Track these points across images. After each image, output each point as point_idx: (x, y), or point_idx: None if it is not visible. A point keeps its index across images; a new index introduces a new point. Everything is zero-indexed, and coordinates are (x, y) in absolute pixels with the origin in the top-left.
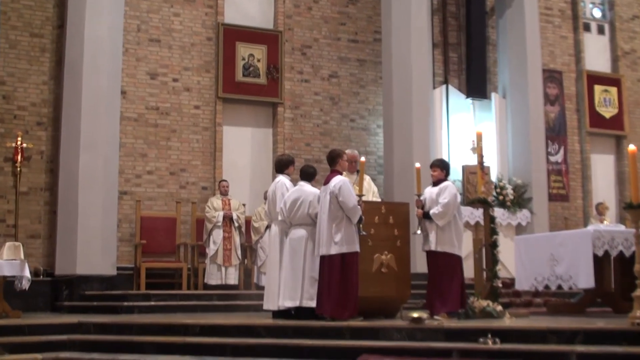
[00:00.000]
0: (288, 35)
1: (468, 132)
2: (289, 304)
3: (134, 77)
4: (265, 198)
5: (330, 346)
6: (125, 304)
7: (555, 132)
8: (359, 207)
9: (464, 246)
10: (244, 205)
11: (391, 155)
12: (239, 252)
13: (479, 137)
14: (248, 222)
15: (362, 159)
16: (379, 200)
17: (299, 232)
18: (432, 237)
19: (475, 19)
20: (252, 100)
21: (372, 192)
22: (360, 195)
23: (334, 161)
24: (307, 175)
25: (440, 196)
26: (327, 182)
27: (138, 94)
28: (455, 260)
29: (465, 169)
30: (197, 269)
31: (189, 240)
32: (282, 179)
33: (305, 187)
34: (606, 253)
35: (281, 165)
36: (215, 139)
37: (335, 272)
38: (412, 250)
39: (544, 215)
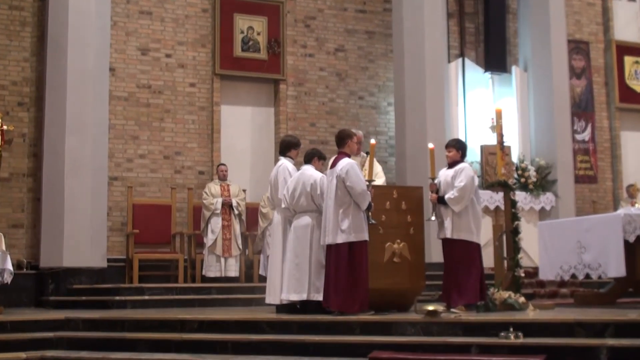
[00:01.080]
0: (290, 5)
1: (486, 109)
2: (294, 297)
3: (123, 53)
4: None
5: (338, 342)
6: (117, 298)
7: (582, 108)
8: (368, 192)
9: (483, 233)
10: (244, 191)
11: (403, 135)
12: (240, 241)
13: (499, 114)
14: (249, 209)
15: (373, 140)
16: (382, 181)
17: (304, 220)
18: (448, 223)
19: None
20: (252, 77)
21: (375, 174)
22: (370, 181)
23: (343, 142)
24: (307, 157)
25: (456, 179)
26: (333, 165)
27: (128, 71)
28: (473, 249)
29: (483, 149)
30: (195, 260)
31: (185, 229)
32: (285, 162)
33: (307, 170)
34: (638, 239)
35: (284, 148)
36: (213, 120)
37: (343, 262)
38: (427, 238)
39: (569, 198)
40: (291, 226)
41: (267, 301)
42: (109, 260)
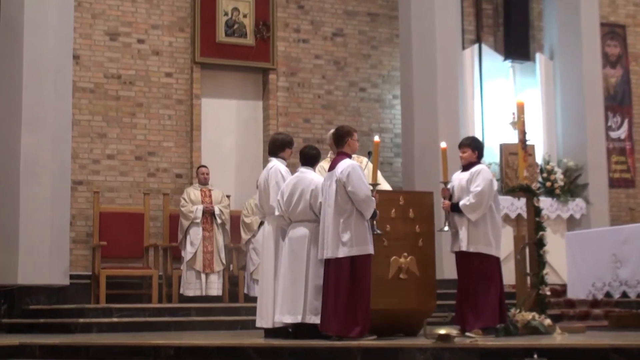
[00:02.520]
0: None
1: (507, 102)
2: (288, 319)
3: (89, 38)
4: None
5: None
6: (81, 320)
7: (617, 102)
8: (373, 198)
9: (503, 245)
10: (228, 197)
11: (411, 132)
12: (223, 255)
13: (521, 108)
14: (233, 217)
15: (376, 138)
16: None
17: (300, 231)
18: (463, 234)
19: None
20: (238, 66)
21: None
22: (374, 185)
23: (342, 141)
24: (308, 158)
25: (472, 183)
26: (332, 167)
27: (95, 59)
28: (491, 263)
29: (503, 148)
30: (171, 277)
31: (160, 241)
32: (277, 163)
33: (306, 173)
34: None
35: (276, 147)
36: (192, 115)
37: (343, 279)
38: (438, 252)
39: (603, 205)
40: (286, 237)
41: (258, 324)
42: (71, 276)
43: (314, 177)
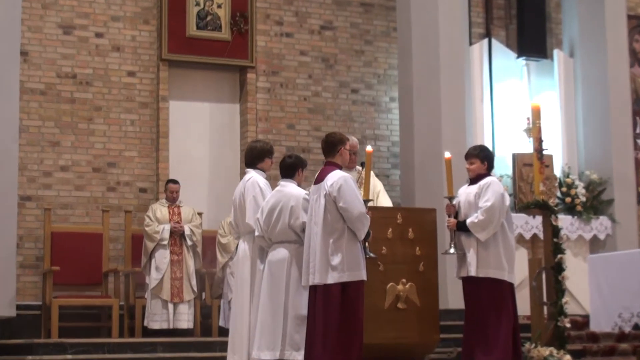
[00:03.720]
0: None
1: (520, 106)
2: (267, 356)
3: (39, 32)
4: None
5: None
6: (30, 358)
7: None
8: (367, 216)
9: (517, 270)
10: (200, 214)
11: (410, 140)
12: (194, 282)
13: (536, 112)
14: (206, 238)
15: (369, 147)
16: (384, 202)
17: (279, 253)
18: (471, 257)
19: None
20: (211, 64)
21: (376, 194)
22: (367, 200)
23: (333, 150)
24: (286, 169)
25: (481, 198)
26: (320, 179)
27: (46, 56)
28: (504, 290)
29: (516, 159)
30: (134, 307)
31: (121, 265)
32: (254, 175)
33: (285, 187)
34: None
35: (253, 156)
36: (159, 120)
37: (333, 309)
38: (442, 277)
39: (631, 224)
40: (265, 260)
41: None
42: (18, 307)
43: (293, 191)
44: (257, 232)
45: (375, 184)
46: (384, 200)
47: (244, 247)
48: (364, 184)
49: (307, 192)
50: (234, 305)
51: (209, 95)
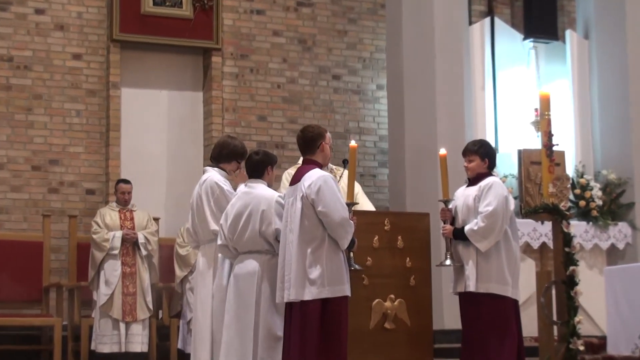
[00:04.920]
0: None
1: (527, 95)
2: None
3: None
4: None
5: None
6: None
7: None
8: (351, 222)
9: (522, 284)
10: (156, 220)
11: (400, 135)
12: (149, 298)
13: (546, 102)
14: (164, 248)
15: (353, 142)
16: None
17: (248, 265)
18: (470, 270)
19: None
20: (170, 45)
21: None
22: (350, 204)
23: (312, 145)
24: (253, 167)
25: (482, 202)
26: (296, 179)
27: None
28: (507, 308)
29: (522, 155)
30: (79, 327)
31: (64, 279)
32: (213, 174)
33: (254, 189)
34: None
35: (222, 154)
36: (109, 111)
37: (312, 330)
38: (436, 293)
39: None
40: (231, 274)
41: None
42: None
43: (264, 193)
44: (220, 241)
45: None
46: (364, 203)
47: (203, 257)
48: (348, 185)
49: (281, 193)
50: (194, 325)
51: (167, 81)
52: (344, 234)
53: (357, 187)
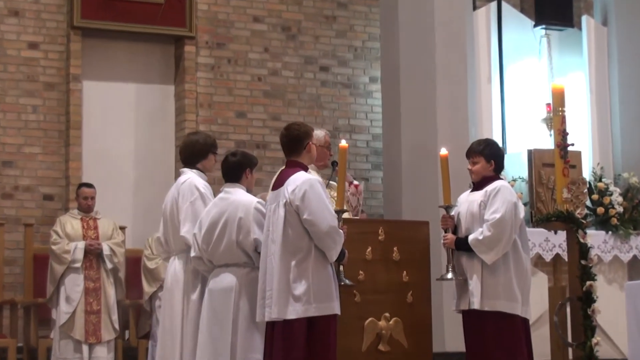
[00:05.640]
0: None
1: (538, 88)
2: None
3: None
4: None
5: None
6: None
7: None
8: (340, 230)
9: (533, 301)
10: (123, 229)
11: (396, 133)
12: (116, 317)
13: (559, 97)
14: (131, 260)
15: (343, 142)
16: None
17: (224, 280)
18: (475, 285)
19: None
20: (138, 33)
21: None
22: (340, 211)
23: (297, 145)
24: (230, 170)
25: (488, 208)
26: (279, 184)
27: None
28: (516, 328)
29: (533, 156)
30: (36, 349)
31: (19, 295)
32: (192, 177)
33: (231, 194)
34: None
35: (191, 153)
36: (69, 106)
37: (296, 352)
38: (437, 311)
39: None
40: (206, 289)
41: None
42: None
43: (242, 198)
44: (194, 252)
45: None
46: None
47: (175, 269)
48: (338, 189)
49: (261, 199)
50: (159, 347)
51: (134, 74)
52: (333, 245)
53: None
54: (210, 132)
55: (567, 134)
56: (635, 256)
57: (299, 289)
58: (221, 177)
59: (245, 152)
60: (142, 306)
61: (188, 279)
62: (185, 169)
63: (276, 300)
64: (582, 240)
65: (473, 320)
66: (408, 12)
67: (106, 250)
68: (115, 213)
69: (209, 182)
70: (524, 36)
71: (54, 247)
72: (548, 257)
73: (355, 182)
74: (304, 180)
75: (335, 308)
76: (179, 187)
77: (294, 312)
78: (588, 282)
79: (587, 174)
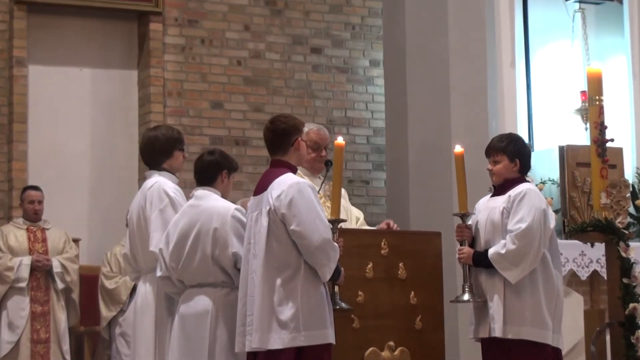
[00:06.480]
0: None
1: (571, 73)
2: None
3: None
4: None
5: None
6: None
7: None
8: (335, 244)
9: (567, 328)
10: (76, 242)
11: (402, 127)
12: (67, 347)
13: (596, 83)
14: (86, 279)
15: (340, 139)
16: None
17: (198, 303)
18: (496, 308)
19: None
20: (94, 9)
21: (351, 213)
22: (335, 221)
23: (284, 141)
24: (204, 171)
25: (512, 217)
26: (262, 187)
27: None
28: (545, 359)
29: (566, 154)
30: None
31: None
32: (160, 180)
33: (204, 199)
34: None
35: (155, 151)
36: (12, 96)
37: None
38: (451, 339)
39: None
40: (176, 314)
41: None
42: None
43: (216, 205)
44: (160, 271)
45: (349, 205)
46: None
47: (145, 292)
48: (332, 194)
49: (240, 206)
50: None
51: (90, 57)
52: (326, 261)
53: (358, 211)
54: (180, 126)
55: (606, 127)
56: None
57: (286, 313)
58: (191, 179)
59: (223, 152)
60: (99, 334)
61: (161, 302)
62: (151, 172)
63: (258, 326)
64: (624, 254)
65: (494, 350)
66: None
67: (57, 267)
68: (67, 222)
69: (178, 185)
70: (554, 11)
71: None
72: (584, 274)
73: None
74: (290, 184)
75: (329, 336)
76: (146, 193)
77: (279, 341)
78: (631, 305)
79: (629, 175)
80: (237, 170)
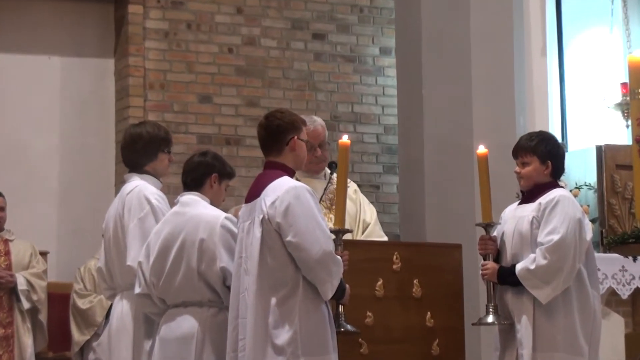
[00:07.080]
0: None
1: (610, 64)
2: None
3: None
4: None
5: None
6: None
7: None
8: (339, 258)
9: (605, 352)
10: (44, 255)
11: (417, 124)
12: None
13: (637, 72)
14: (55, 298)
15: (345, 138)
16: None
17: (183, 325)
18: (525, 331)
19: None
20: None
21: (360, 217)
22: (339, 231)
23: (279, 140)
24: (192, 171)
25: (543, 228)
26: (255, 193)
27: None
28: None
29: (604, 155)
30: None
31: None
32: (140, 185)
33: (190, 206)
34: None
35: (136, 152)
36: None
37: None
38: None
39: None
40: (156, 338)
41: None
42: None
43: (204, 213)
44: (139, 288)
45: (360, 199)
46: (375, 231)
47: (122, 311)
48: (336, 200)
49: (232, 215)
50: None
51: (61, 44)
52: (328, 277)
53: (369, 209)
54: (162, 123)
55: None
56: None
57: (282, 337)
58: (176, 184)
59: (216, 154)
60: None
61: (139, 324)
62: (131, 174)
63: (251, 352)
64: None
65: None
66: None
67: (22, 284)
68: (33, 233)
69: (162, 190)
70: None
71: None
72: (625, 293)
73: None
74: (287, 189)
75: None
76: (124, 198)
77: None
78: None
79: None
80: (231, 177)
